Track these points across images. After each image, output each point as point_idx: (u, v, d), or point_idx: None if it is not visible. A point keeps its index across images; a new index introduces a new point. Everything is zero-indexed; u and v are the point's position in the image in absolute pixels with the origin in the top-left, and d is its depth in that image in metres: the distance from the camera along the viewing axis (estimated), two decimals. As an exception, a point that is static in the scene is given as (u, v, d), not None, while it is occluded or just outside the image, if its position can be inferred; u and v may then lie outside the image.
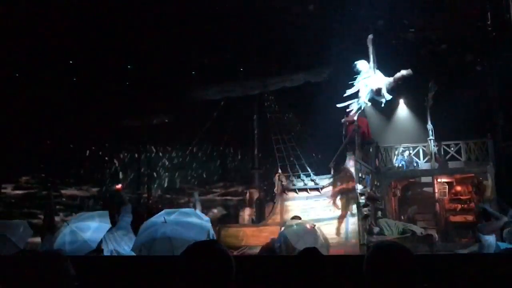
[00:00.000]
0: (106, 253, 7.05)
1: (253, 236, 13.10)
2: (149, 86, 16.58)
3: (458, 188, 15.75)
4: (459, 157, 15.50)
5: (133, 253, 6.80)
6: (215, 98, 17.10)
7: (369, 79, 12.55)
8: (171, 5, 14.26)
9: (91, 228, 7.00)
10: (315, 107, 15.89)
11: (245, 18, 15.01)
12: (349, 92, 12.77)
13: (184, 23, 14.95)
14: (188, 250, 1.85)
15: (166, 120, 17.99)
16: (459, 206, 15.50)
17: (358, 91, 12.78)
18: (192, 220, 6.75)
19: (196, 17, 14.82)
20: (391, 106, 17.69)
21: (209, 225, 6.89)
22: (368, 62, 12.71)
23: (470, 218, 14.95)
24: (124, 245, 7.34)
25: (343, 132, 14.46)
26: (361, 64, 12.87)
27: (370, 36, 12.56)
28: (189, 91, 17.03)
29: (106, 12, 13.92)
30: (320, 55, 15.69)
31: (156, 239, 6.39)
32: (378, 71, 12.57)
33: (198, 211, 7.92)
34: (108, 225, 7.16)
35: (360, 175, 12.88)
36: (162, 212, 7.11)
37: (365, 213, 12.04)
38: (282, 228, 10.33)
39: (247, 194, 16.41)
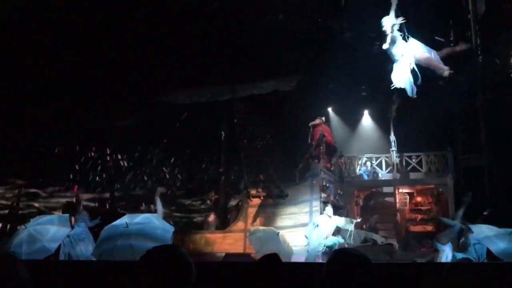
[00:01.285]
0: (61, 256, 6.93)
1: (217, 243, 13.03)
2: (115, 88, 16.32)
3: (419, 198, 16.13)
4: (420, 169, 15.89)
5: (92, 258, 6.68)
6: (183, 103, 17.00)
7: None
8: (141, 7, 14.15)
9: (50, 232, 6.85)
10: (284, 114, 16.03)
11: (215, 24, 15.02)
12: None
13: (154, 27, 14.84)
14: (147, 254, 1.83)
15: (132, 123, 17.73)
16: (419, 216, 15.87)
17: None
18: (155, 226, 6.68)
19: (166, 21, 14.74)
20: (356, 117, 18.03)
21: (172, 230, 6.84)
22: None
23: (429, 228, 15.35)
24: (80, 249, 7.22)
25: (309, 136, 14.71)
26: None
27: None
28: (157, 94, 16.86)
29: (74, 13, 13.67)
30: (289, 64, 15.86)
31: (118, 244, 6.30)
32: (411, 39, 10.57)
33: (160, 217, 7.83)
34: (67, 229, 7.04)
35: (324, 183, 13.04)
36: (125, 216, 7.02)
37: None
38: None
39: (212, 200, 16.35)
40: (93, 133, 17.72)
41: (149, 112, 16.94)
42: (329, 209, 11.47)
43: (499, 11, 14.13)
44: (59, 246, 7.14)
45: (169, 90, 16.95)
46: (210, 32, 15.18)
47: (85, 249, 7.57)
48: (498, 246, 8.81)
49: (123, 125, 17.67)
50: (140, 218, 6.80)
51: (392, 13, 10.29)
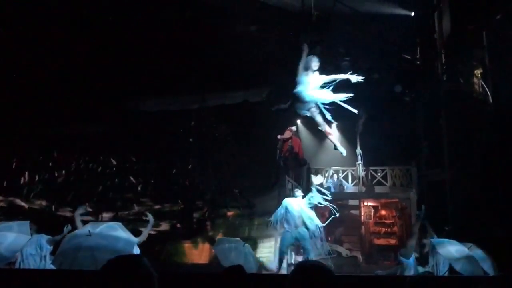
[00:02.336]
0: (17, 264, 6.73)
1: (183, 254, 12.92)
2: (83, 94, 16.03)
3: (383, 212, 16.40)
4: (385, 182, 16.18)
5: (52, 266, 6.50)
6: (152, 110, 16.86)
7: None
8: (112, 13, 14.02)
9: (8, 239, 6.64)
10: (253, 125, 16.09)
11: (187, 33, 15.01)
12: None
13: (125, 34, 14.72)
14: (108, 264, 1.80)
15: (100, 130, 17.38)
16: (383, 230, 16.12)
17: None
18: (119, 234, 6.56)
19: (137, 28, 14.65)
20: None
21: (136, 240, 6.73)
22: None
23: (392, 241, 15.61)
24: (37, 258, 7.03)
25: (278, 148, 14.79)
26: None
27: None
28: (125, 101, 16.67)
29: (39, 17, 13.43)
30: (260, 75, 15.97)
31: (79, 252, 6.14)
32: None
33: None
34: (27, 236, 6.83)
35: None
36: (88, 224, 6.88)
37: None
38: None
39: (179, 209, 16.19)
40: (57, 139, 17.27)
41: (116, 119, 16.71)
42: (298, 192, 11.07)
43: (463, 31, 14.65)
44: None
45: (139, 97, 16.80)
46: (181, 41, 15.15)
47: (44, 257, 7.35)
48: (456, 258, 9.06)
49: (88, 132, 17.31)
50: (103, 227, 6.67)
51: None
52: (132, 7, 14.32)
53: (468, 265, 8.76)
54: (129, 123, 16.87)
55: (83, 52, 15.12)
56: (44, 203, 16.30)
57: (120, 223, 7.24)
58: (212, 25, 14.82)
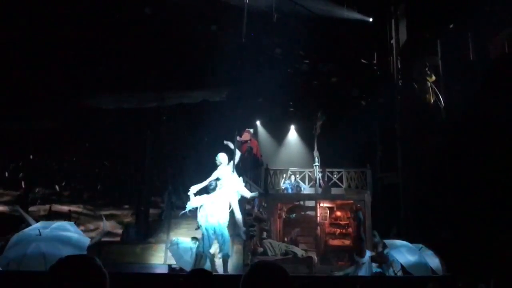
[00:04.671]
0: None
1: (137, 254, 12.65)
2: (34, 89, 15.44)
3: (338, 213, 16.64)
4: (340, 184, 16.45)
5: (-1, 268, 6.22)
6: (108, 108, 16.45)
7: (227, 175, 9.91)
8: (70, 9, 13.62)
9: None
10: (212, 125, 15.99)
11: (146, 30, 14.77)
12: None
13: (82, 29, 14.31)
14: (58, 263, 1.72)
15: (51, 126, 16.78)
16: (338, 231, 16.36)
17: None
18: (70, 235, 6.36)
19: (95, 23, 14.28)
20: (283, 131, 18.43)
21: (87, 240, 6.55)
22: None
23: (347, 242, 15.88)
24: None
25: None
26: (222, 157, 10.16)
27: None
28: (79, 97, 16.17)
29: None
30: (220, 75, 15.90)
31: (27, 254, 5.91)
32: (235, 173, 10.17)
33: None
34: None
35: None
36: (37, 224, 6.63)
37: (251, 233, 12.23)
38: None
39: (137, 209, 15.87)
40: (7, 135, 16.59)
41: (70, 115, 16.20)
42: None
43: (419, 39, 15.13)
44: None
45: (94, 94, 16.35)
46: (140, 38, 14.88)
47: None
48: (408, 259, 9.37)
49: (40, 128, 16.69)
50: (54, 225, 6.45)
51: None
52: (90, 1, 13.97)
53: (419, 268, 9.06)
54: (83, 120, 16.41)
55: (37, 46, 14.58)
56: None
57: (72, 223, 7.04)
58: (172, 23, 14.65)
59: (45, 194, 17.74)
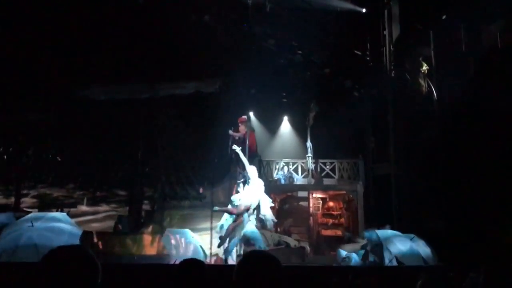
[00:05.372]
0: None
1: (131, 245, 12.68)
2: (26, 80, 15.31)
3: (331, 203, 16.75)
4: (333, 175, 16.50)
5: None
6: (100, 99, 16.35)
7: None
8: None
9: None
10: (205, 116, 15.95)
11: (138, 21, 14.64)
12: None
13: (73, 20, 14.17)
14: (50, 254, 1.72)
15: (43, 118, 16.65)
16: (331, 221, 16.47)
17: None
18: (62, 226, 6.35)
19: (86, 15, 14.14)
20: (276, 122, 18.41)
21: (80, 231, 6.54)
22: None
23: (339, 232, 16.00)
24: None
25: (229, 144, 14.63)
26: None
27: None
28: (71, 89, 16.05)
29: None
30: (213, 66, 15.83)
31: (20, 245, 5.90)
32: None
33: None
34: None
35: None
36: (30, 215, 6.62)
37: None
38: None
39: (130, 200, 15.86)
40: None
41: (63, 106, 16.09)
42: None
43: (411, 30, 15.12)
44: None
45: (86, 86, 16.24)
46: (132, 28, 14.76)
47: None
48: (400, 249, 9.48)
49: (34, 119, 16.57)
50: (47, 217, 6.44)
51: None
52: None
53: (411, 257, 9.16)
54: (76, 111, 16.29)
55: (29, 38, 14.43)
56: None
57: (64, 214, 7.03)
58: (165, 13, 14.53)
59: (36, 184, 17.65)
